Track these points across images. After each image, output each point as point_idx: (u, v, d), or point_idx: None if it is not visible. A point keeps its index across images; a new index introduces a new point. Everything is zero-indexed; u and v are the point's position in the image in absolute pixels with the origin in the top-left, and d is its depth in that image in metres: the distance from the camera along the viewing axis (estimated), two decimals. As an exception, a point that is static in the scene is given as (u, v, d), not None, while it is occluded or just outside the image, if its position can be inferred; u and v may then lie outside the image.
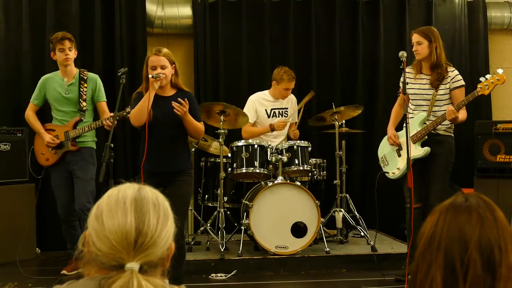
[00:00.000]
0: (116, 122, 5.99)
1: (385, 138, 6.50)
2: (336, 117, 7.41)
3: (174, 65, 5.48)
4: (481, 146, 7.82)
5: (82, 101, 6.53)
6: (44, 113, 6.93)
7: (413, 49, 6.19)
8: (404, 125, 5.83)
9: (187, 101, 5.33)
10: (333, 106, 7.52)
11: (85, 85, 6.56)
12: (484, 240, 1.74)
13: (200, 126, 5.56)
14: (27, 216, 7.27)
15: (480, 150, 7.82)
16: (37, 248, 7.45)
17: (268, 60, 8.51)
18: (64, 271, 6.40)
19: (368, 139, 8.46)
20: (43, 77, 6.71)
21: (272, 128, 7.47)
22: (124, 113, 6.02)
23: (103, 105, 6.63)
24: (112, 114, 6.18)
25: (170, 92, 5.51)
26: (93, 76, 6.68)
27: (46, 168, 6.79)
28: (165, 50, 5.46)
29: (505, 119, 8.61)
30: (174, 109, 5.31)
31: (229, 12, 8.62)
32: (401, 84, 6.24)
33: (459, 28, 9.01)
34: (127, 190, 1.82)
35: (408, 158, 5.60)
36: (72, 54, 6.53)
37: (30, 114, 6.70)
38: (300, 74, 8.56)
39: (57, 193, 6.60)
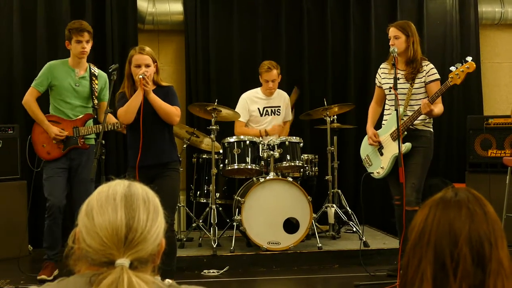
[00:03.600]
0: (121, 125, 5.93)
1: (366, 138, 6.44)
2: (327, 113, 7.41)
3: (155, 63, 5.53)
4: (473, 141, 7.85)
5: (94, 98, 6.31)
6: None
7: (390, 43, 6.12)
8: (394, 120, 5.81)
9: (148, 77, 5.34)
10: (325, 103, 7.52)
11: (96, 81, 6.35)
12: (474, 235, 1.74)
13: (170, 107, 5.49)
14: (19, 213, 7.25)
15: (472, 145, 7.85)
16: (30, 245, 7.43)
17: (259, 56, 8.50)
18: (43, 276, 6.10)
19: (360, 134, 8.42)
20: (50, 64, 6.35)
21: (266, 134, 7.45)
22: (116, 125, 6.00)
23: (106, 105, 6.35)
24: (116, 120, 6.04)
25: (151, 88, 5.54)
26: (103, 74, 6.47)
27: (43, 161, 6.36)
28: (148, 48, 5.52)
29: (496, 114, 8.63)
30: (141, 84, 5.31)
31: (220, 8, 8.63)
32: (377, 77, 6.33)
33: (450, 23, 9.03)
34: (117, 186, 1.82)
35: (399, 153, 5.60)
36: (89, 47, 6.28)
37: (31, 101, 6.27)
38: (292, 70, 8.61)
39: (50, 185, 6.21)
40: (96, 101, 6.32)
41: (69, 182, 6.31)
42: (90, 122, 6.35)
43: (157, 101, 5.41)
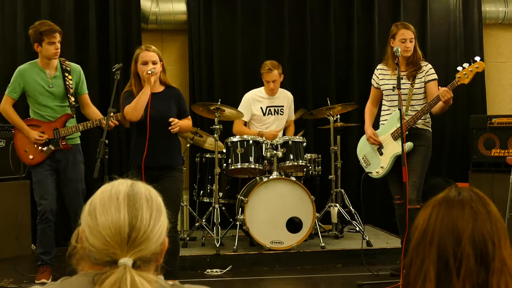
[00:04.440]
0: (113, 120, 5.91)
1: (363, 138, 6.44)
2: (331, 112, 7.41)
3: (162, 62, 5.59)
4: (476, 141, 7.84)
5: (70, 96, 6.15)
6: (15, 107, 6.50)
7: (404, 45, 6.11)
8: (398, 119, 5.81)
9: (174, 119, 5.54)
10: (328, 102, 7.52)
11: (70, 77, 6.19)
12: (477, 234, 1.74)
13: (189, 122, 5.75)
14: (23, 212, 7.25)
15: (475, 145, 7.84)
16: (33, 245, 7.43)
17: (263, 55, 8.50)
18: (43, 280, 6.01)
19: (363, 133, 8.47)
20: (20, 68, 6.22)
21: (260, 136, 7.41)
22: (96, 123, 6.00)
23: (87, 97, 6.34)
24: (101, 116, 6.03)
25: (159, 88, 5.64)
26: (76, 67, 6.31)
27: (28, 166, 6.34)
28: (154, 47, 5.61)
29: (500, 113, 8.62)
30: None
31: (223, 7, 8.63)
32: (374, 78, 6.37)
33: (454, 22, 9.02)
34: (120, 185, 1.82)
35: (403, 152, 5.58)
36: (59, 46, 6.12)
37: (7, 108, 6.17)
38: (295, 70, 8.61)
39: (40, 189, 6.12)
40: (72, 99, 6.18)
41: (57, 183, 6.23)
42: (72, 121, 6.24)
43: (184, 126, 5.71)
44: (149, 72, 5.37)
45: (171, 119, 5.50)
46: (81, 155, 6.31)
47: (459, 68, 5.92)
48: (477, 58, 5.93)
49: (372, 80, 6.42)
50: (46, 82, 6.15)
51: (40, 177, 6.14)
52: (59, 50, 6.11)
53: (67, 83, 6.17)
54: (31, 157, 6.17)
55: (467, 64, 5.90)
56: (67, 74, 6.19)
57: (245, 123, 7.63)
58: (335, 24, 8.78)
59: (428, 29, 8.86)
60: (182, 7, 8.57)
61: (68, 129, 6.15)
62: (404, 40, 6.11)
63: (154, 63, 5.47)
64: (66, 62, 6.28)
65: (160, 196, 1.87)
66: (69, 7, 8.03)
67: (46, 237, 6.14)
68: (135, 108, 5.43)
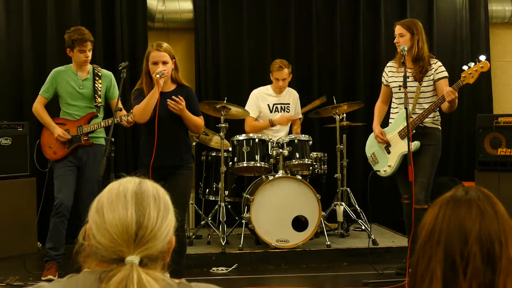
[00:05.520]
0: (121, 118, 5.97)
1: (371, 136, 6.43)
2: (336, 111, 7.41)
3: (174, 59, 5.47)
4: (482, 140, 7.81)
5: (97, 97, 6.37)
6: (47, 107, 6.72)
7: (394, 41, 6.14)
8: (404, 118, 5.79)
9: (182, 98, 5.37)
10: (334, 101, 7.51)
11: (100, 81, 6.42)
12: (485, 233, 1.74)
13: (200, 121, 5.57)
14: (28, 210, 7.27)
15: (481, 144, 7.81)
16: (38, 242, 7.45)
17: (269, 54, 8.50)
18: (49, 277, 6.04)
19: (370, 132, 8.44)
20: (55, 70, 6.49)
21: (272, 124, 7.48)
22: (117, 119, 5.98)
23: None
24: (125, 112, 6.07)
25: (171, 87, 5.53)
26: (108, 73, 6.54)
27: (52, 162, 6.48)
28: (165, 45, 5.45)
29: (506, 112, 8.60)
30: (169, 107, 5.33)
31: (230, 6, 8.64)
32: (383, 76, 6.36)
33: (460, 22, 9.01)
34: (127, 183, 1.83)
35: (409, 151, 5.57)
36: (91, 53, 6.39)
37: (39, 107, 6.45)
38: (301, 68, 8.60)
39: (60, 183, 6.28)
40: (99, 100, 6.39)
41: (76, 181, 6.36)
42: (96, 120, 6.39)
43: (191, 118, 5.45)
44: (158, 75, 5.26)
45: (174, 98, 5.34)
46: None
47: (465, 68, 5.90)
48: (482, 58, 5.91)
49: (382, 78, 6.41)
50: (77, 83, 6.41)
51: (60, 172, 6.33)
52: (89, 58, 6.40)
53: (97, 85, 6.42)
54: (54, 152, 6.38)
55: (473, 64, 5.87)
56: (97, 79, 6.45)
57: (256, 120, 7.63)
58: (341, 23, 8.77)
59: (435, 29, 8.85)
60: (188, 5, 8.57)
61: (91, 126, 6.35)
62: (395, 35, 6.14)
63: (164, 63, 5.34)
64: (99, 68, 6.54)
65: (168, 194, 1.87)
66: (75, 6, 8.04)
67: (57, 232, 6.19)
68: (144, 112, 5.34)
